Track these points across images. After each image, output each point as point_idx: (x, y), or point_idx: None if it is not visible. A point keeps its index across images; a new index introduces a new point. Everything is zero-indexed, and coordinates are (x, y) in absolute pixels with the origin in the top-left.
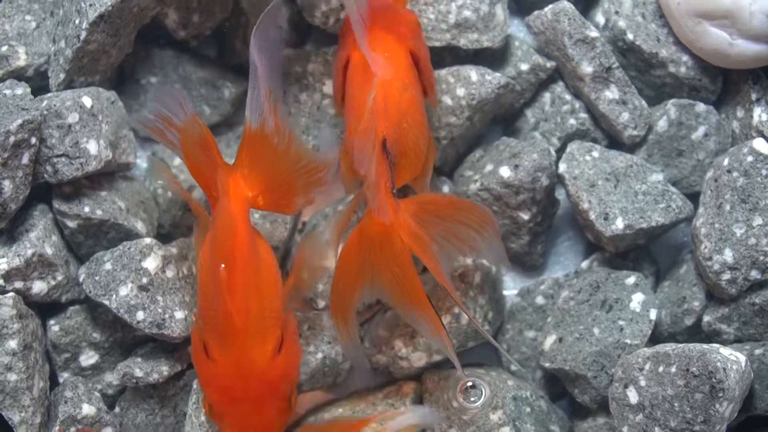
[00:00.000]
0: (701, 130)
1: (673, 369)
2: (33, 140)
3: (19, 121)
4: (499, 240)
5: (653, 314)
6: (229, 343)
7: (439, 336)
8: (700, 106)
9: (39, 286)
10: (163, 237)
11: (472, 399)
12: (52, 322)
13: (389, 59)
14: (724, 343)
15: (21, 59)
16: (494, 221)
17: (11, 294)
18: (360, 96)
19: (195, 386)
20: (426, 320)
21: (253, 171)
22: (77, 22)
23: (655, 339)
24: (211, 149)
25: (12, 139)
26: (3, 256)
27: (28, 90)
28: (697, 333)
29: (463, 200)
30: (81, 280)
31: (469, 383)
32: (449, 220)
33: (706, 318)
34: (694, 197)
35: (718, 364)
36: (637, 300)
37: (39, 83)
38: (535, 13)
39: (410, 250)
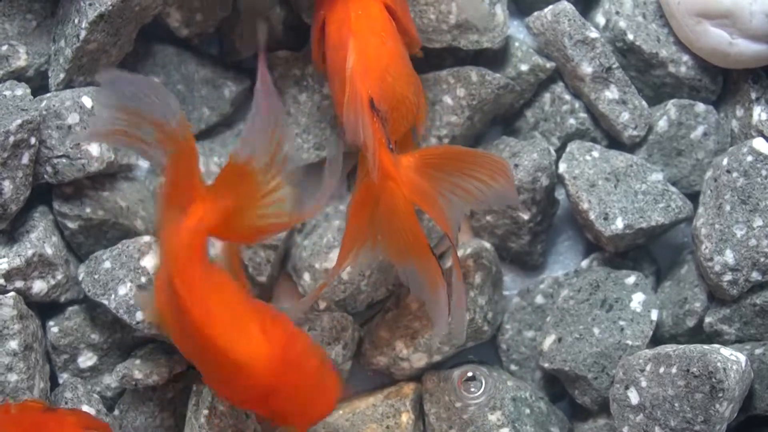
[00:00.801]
0: (700, 130)
1: (674, 369)
2: (33, 140)
3: (19, 122)
4: (512, 186)
5: (654, 315)
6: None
7: (437, 288)
8: (700, 106)
9: (39, 286)
10: None
11: (472, 390)
12: (51, 323)
13: (363, 16)
14: (725, 343)
15: (21, 59)
16: (506, 167)
17: (12, 294)
18: (337, 57)
19: (195, 388)
20: (427, 273)
21: (223, 202)
22: (77, 21)
23: (656, 340)
24: (194, 166)
25: (12, 139)
26: (4, 257)
27: (28, 91)
28: (699, 334)
29: (470, 150)
30: (80, 279)
31: (469, 374)
32: (456, 173)
33: (707, 319)
34: (693, 197)
35: (719, 364)
36: (637, 300)
37: (39, 83)
38: (535, 14)
39: (413, 205)
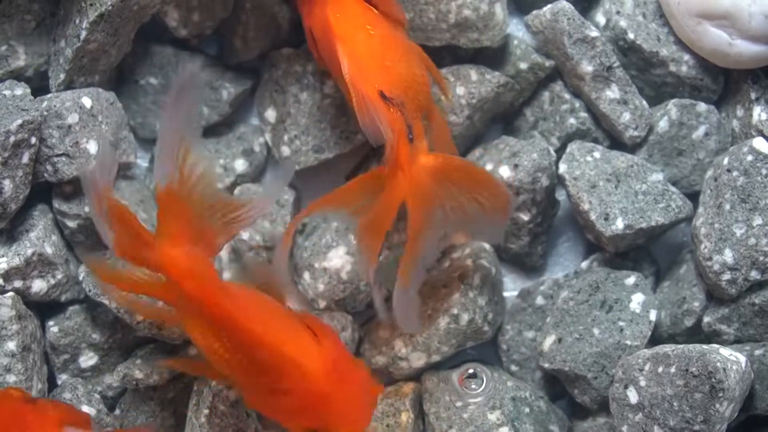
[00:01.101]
0: (702, 130)
1: (673, 369)
2: (33, 140)
3: (19, 121)
4: (503, 224)
5: (653, 315)
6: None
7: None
8: (702, 106)
9: (39, 285)
10: None
11: (473, 387)
12: (51, 323)
13: (342, 17)
14: (724, 343)
15: (20, 59)
16: (509, 204)
17: (10, 294)
18: (334, 65)
19: (195, 388)
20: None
21: (177, 232)
22: (77, 21)
23: (654, 340)
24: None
25: (12, 138)
26: (3, 256)
27: (28, 90)
28: (697, 334)
29: (488, 175)
30: (81, 278)
31: (470, 371)
32: (465, 191)
33: (706, 319)
34: (694, 197)
35: (718, 364)
36: (637, 300)
37: (39, 83)
38: (534, 12)
39: (403, 201)
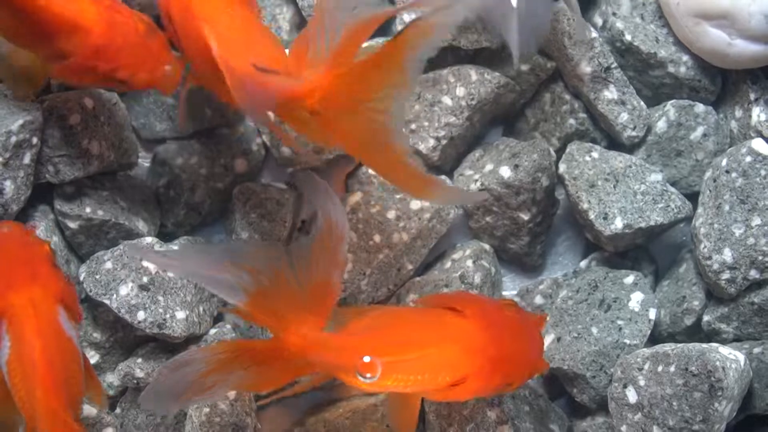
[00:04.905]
0: (700, 131)
1: (672, 368)
2: (35, 140)
3: (21, 122)
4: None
5: (652, 314)
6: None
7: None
8: (700, 107)
9: None
10: (167, 236)
11: None
12: None
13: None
14: (724, 342)
15: None
16: None
17: None
18: (191, 44)
19: None
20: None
21: None
22: None
23: (654, 339)
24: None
25: (13, 139)
26: None
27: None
28: (697, 333)
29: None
30: (81, 279)
31: None
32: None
33: (705, 317)
34: (693, 197)
35: (717, 363)
36: (636, 299)
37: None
38: None
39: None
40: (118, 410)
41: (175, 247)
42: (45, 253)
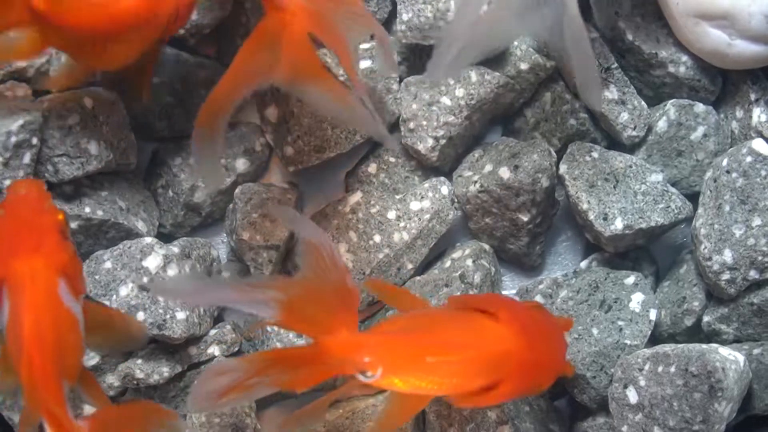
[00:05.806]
0: (700, 131)
1: (672, 369)
2: (34, 140)
3: (21, 122)
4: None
5: (653, 314)
6: None
7: (345, 95)
8: (700, 107)
9: None
10: (165, 236)
11: None
12: None
13: None
14: (724, 343)
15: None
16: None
17: None
18: None
19: None
20: (332, 90)
21: None
22: None
23: (654, 340)
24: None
25: (13, 139)
26: None
27: (29, 91)
28: (697, 333)
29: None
30: None
31: None
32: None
33: (705, 318)
34: (693, 197)
35: (717, 363)
36: (636, 300)
37: (40, 84)
38: None
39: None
40: None
41: (175, 248)
42: (55, 223)
